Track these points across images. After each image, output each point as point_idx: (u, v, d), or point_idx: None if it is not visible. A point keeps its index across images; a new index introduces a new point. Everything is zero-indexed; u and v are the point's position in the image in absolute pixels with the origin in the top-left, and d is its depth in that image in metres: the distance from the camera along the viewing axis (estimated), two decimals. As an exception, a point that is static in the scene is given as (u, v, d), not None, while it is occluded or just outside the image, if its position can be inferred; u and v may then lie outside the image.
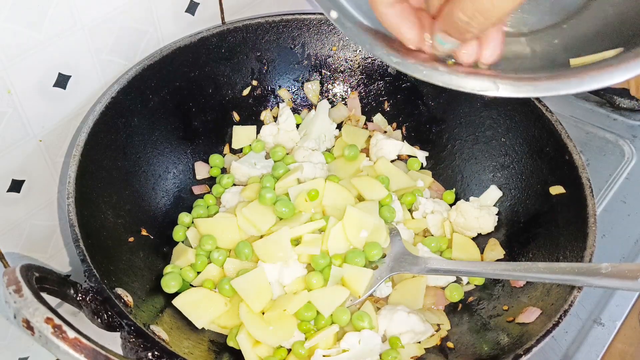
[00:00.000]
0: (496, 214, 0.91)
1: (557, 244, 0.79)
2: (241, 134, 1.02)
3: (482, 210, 0.90)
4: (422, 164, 1.01)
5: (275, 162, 0.97)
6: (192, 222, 0.90)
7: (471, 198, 0.93)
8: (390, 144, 0.99)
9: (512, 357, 0.66)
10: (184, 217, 0.90)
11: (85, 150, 0.77)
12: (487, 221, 0.90)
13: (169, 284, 0.81)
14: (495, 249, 0.88)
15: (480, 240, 0.91)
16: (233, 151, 1.02)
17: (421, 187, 0.97)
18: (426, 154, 1.02)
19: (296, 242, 0.84)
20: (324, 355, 0.75)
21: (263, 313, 0.78)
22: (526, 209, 0.89)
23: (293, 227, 0.84)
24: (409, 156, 1.02)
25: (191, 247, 0.87)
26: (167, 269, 0.83)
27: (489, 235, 0.91)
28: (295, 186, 0.89)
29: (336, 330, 0.78)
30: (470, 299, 0.84)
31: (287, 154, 0.99)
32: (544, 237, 0.83)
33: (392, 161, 1.00)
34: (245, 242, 0.83)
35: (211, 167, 0.98)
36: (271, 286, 0.81)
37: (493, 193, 0.93)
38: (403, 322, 0.78)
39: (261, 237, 0.85)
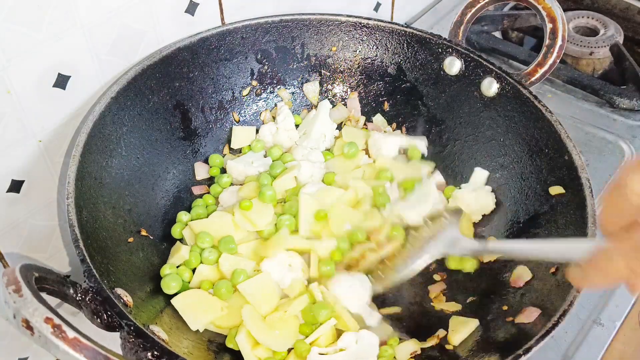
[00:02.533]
0: (492, 192, 0.92)
1: (557, 244, 0.80)
2: (241, 135, 1.02)
3: (478, 192, 0.91)
4: (423, 154, 1.01)
5: (273, 161, 0.97)
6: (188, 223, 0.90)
7: (462, 185, 0.95)
8: (389, 141, 0.99)
9: (512, 357, 0.66)
10: (182, 216, 0.90)
11: (84, 151, 0.77)
12: (487, 199, 0.91)
13: (169, 285, 0.81)
14: None
15: (476, 233, 0.91)
16: (233, 151, 1.02)
17: (425, 175, 0.97)
18: (426, 142, 1.02)
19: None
20: (320, 354, 0.74)
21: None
22: (526, 209, 0.89)
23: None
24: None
25: (187, 245, 0.87)
26: (165, 269, 0.83)
27: (491, 216, 0.92)
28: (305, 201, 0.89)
29: (334, 323, 0.78)
30: (470, 299, 0.84)
31: (285, 152, 0.99)
32: (543, 237, 0.83)
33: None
34: (230, 237, 0.84)
35: (211, 167, 0.98)
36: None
37: (479, 174, 0.94)
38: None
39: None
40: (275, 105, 1.05)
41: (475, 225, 0.93)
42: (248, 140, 1.02)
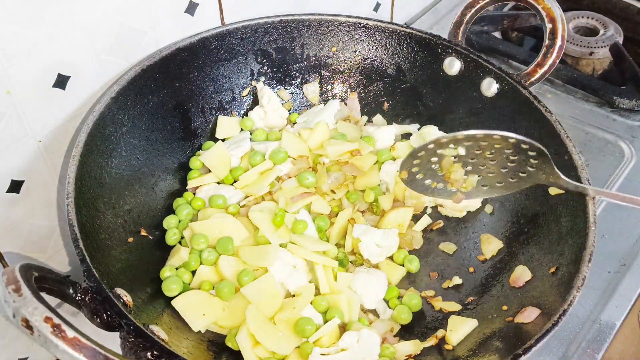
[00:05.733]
0: None
1: (557, 244, 0.79)
2: (225, 124, 1.01)
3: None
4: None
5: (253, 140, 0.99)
6: (179, 222, 0.89)
7: None
8: (382, 132, 1.00)
9: (512, 357, 0.66)
10: (170, 220, 0.89)
11: (84, 151, 0.77)
12: None
13: (170, 288, 0.80)
14: (492, 242, 0.89)
15: (475, 233, 0.91)
16: (216, 141, 1.00)
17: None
18: (418, 125, 1.03)
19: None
20: (321, 354, 0.74)
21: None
22: (526, 209, 0.89)
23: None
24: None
25: (187, 247, 0.87)
26: (164, 271, 0.82)
27: (477, 212, 0.94)
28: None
29: (338, 322, 0.78)
30: (469, 299, 0.84)
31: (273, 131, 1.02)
32: (543, 237, 0.83)
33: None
34: (229, 238, 0.83)
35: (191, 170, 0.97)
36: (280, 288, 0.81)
37: None
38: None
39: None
40: (255, 87, 1.04)
41: (474, 224, 0.93)
42: (232, 130, 1.01)
